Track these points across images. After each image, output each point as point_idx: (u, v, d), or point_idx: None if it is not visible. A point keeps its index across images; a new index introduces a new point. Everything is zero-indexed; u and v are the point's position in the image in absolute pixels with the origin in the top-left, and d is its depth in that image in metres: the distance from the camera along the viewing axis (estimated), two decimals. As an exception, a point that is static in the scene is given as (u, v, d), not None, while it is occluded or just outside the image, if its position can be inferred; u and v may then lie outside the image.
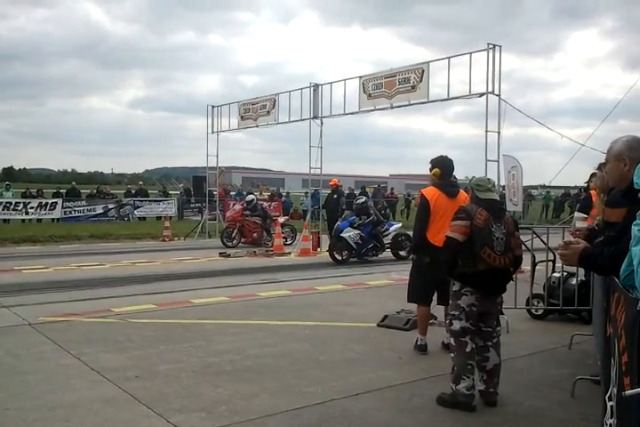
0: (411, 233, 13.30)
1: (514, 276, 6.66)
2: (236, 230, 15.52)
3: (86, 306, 7.51)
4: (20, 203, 21.81)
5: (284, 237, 15.57)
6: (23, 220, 21.63)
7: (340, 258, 12.52)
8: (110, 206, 23.40)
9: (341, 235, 12.57)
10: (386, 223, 13.67)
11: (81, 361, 5.10)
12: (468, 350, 4.08)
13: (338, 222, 13.17)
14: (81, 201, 23.16)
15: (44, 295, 8.32)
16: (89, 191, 25.09)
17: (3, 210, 21.21)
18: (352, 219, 12.84)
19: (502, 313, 4.44)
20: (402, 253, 13.13)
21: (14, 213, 21.46)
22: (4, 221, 21.30)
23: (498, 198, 4.35)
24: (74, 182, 26.02)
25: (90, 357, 5.21)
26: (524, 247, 5.67)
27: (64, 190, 24.30)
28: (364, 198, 13.65)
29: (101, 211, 23.03)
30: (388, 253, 13.20)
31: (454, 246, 4.06)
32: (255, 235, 15.61)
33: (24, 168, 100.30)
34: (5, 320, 6.66)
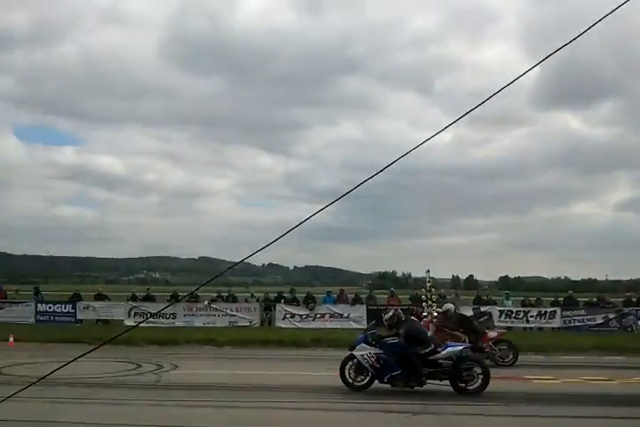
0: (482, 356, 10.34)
1: None
2: None
3: None
4: (520, 311, 22.80)
5: (498, 357, 12.98)
6: (524, 328, 22.41)
7: (351, 382, 9.41)
8: (610, 316, 22.23)
9: (353, 352, 9.65)
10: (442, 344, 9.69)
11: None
12: None
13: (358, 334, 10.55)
14: (579, 310, 22.78)
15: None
16: (587, 299, 24.51)
17: (504, 318, 22.44)
18: (373, 331, 9.82)
19: None
20: (470, 388, 9.08)
21: (515, 321, 22.47)
22: (508, 328, 22.51)
23: None
24: (570, 291, 25.96)
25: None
26: None
27: (561, 299, 24.39)
28: (390, 312, 10.28)
29: (601, 321, 22.07)
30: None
31: None
32: None
33: (518, 276, 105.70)
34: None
